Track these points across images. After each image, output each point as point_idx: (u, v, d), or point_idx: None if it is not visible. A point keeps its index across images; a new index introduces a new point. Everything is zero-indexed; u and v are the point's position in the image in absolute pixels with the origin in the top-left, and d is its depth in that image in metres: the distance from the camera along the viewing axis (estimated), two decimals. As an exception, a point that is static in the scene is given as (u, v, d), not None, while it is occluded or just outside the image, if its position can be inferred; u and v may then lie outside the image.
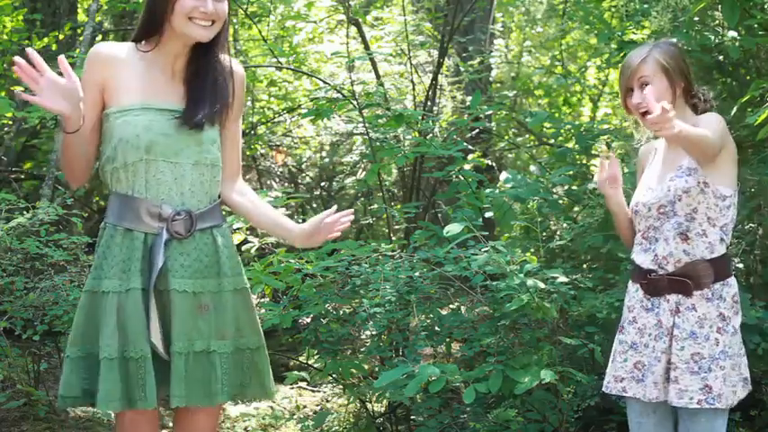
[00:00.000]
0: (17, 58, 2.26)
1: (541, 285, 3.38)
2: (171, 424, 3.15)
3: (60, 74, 2.30)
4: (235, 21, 7.97)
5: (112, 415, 4.82)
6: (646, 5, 4.28)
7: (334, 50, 6.47)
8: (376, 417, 4.41)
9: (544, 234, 4.32)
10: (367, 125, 4.77)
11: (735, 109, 3.81)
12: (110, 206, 2.46)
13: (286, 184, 7.85)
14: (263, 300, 5.21)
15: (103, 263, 2.41)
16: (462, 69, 7.13)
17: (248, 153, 7.70)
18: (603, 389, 2.83)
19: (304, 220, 9.14)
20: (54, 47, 7.02)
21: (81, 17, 7.60)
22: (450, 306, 4.19)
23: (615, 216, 2.91)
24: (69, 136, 2.37)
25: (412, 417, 4.23)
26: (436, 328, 4.01)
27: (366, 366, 4.34)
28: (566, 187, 4.64)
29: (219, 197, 2.54)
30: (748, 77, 4.31)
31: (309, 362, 4.89)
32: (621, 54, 4.48)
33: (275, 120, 7.87)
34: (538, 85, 8.42)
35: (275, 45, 6.45)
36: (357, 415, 4.59)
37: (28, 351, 4.72)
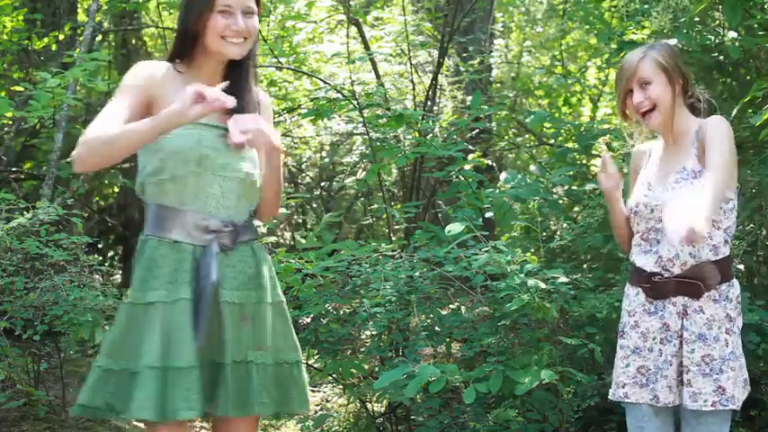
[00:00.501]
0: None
1: (542, 285, 3.38)
2: None
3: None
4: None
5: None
6: (646, 5, 4.28)
7: (335, 51, 6.48)
8: (376, 417, 4.41)
9: (544, 234, 4.32)
10: (367, 125, 4.77)
11: (735, 110, 3.80)
12: (151, 218, 2.44)
13: (286, 184, 7.85)
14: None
15: (148, 275, 2.39)
16: (462, 69, 7.13)
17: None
18: (609, 396, 2.79)
19: (304, 221, 9.07)
20: (54, 47, 7.02)
21: (81, 17, 7.60)
22: (451, 306, 4.20)
23: (612, 213, 2.88)
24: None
25: (412, 417, 4.23)
26: (436, 328, 4.01)
27: (366, 366, 4.34)
28: (566, 187, 4.65)
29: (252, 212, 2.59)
30: (748, 77, 4.31)
31: (309, 362, 4.89)
32: (621, 54, 4.48)
33: (275, 120, 7.86)
34: (538, 85, 8.42)
35: (275, 45, 6.45)
36: (357, 415, 4.59)
37: (28, 351, 4.72)
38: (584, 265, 4.61)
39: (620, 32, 4.52)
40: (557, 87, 7.82)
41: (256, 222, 2.65)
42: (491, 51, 7.87)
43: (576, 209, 4.91)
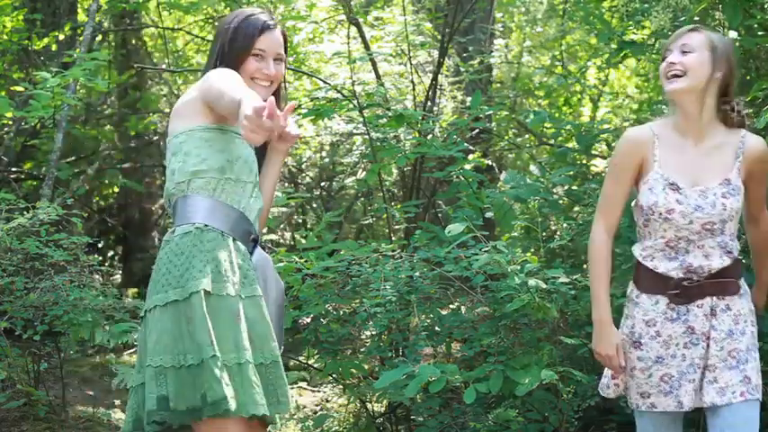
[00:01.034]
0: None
1: (542, 285, 3.38)
2: None
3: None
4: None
5: (112, 415, 4.82)
6: (646, 5, 4.28)
7: (335, 51, 6.47)
8: (376, 417, 4.41)
9: (544, 234, 4.32)
10: (368, 125, 4.77)
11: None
12: (206, 209, 2.44)
13: (286, 184, 7.84)
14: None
15: (221, 267, 2.38)
16: (462, 69, 7.12)
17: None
18: (633, 407, 2.71)
19: (304, 221, 9.08)
20: (54, 47, 7.02)
21: (81, 17, 7.60)
22: (451, 306, 4.19)
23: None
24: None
25: (412, 417, 4.23)
26: (436, 328, 4.01)
27: (366, 366, 4.34)
28: (566, 187, 4.64)
29: None
30: (748, 77, 4.31)
31: (309, 362, 4.89)
32: (621, 54, 4.48)
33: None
34: (538, 85, 8.42)
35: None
36: (357, 415, 4.59)
37: (28, 351, 4.72)
38: (584, 266, 4.60)
39: (620, 32, 4.52)
40: (557, 87, 7.81)
41: None
42: (491, 51, 7.87)
43: (576, 209, 4.90)
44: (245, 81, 2.49)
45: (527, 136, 7.94)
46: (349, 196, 8.11)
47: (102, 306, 4.35)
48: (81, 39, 6.30)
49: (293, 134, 2.40)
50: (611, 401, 3.75)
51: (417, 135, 4.85)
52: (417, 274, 3.89)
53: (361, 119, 4.84)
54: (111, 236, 8.88)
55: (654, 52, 4.49)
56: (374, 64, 5.83)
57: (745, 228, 2.85)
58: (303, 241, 4.71)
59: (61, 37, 7.04)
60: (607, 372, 2.76)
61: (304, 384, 5.41)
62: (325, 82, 5.48)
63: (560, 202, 4.65)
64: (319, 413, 4.79)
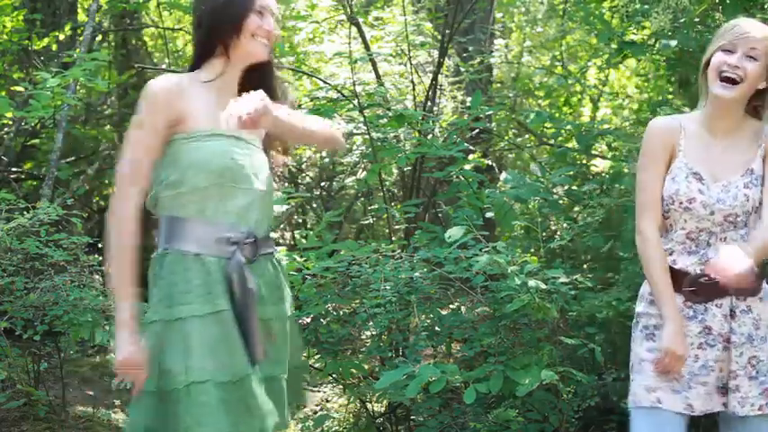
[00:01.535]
0: None
1: (542, 285, 3.38)
2: None
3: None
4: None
5: (112, 416, 4.82)
6: (646, 6, 4.28)
7: (336, 51, 6.47)
8: (376, 417, 4.41)
9: (544, 234, 4.32)
10: (368, 125, 4.77)
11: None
12: (168, 231, 2.37)
13: (286, 184, 7.85)
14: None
15: (174, 290, 2.30)
16: (462, 69, 7.12)
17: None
18: (631, 403, 2.53)
19: (304, 221, 9.06)
20: (54, 47, 7.02)
21: (81, 17, 7.60)
22: (451, 306, 4.19)
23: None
24: None
25: (412, 417, 4.23)
26: (436, 329, 4.01)
27: (366, 366, 4.34)
28: (566, 187, 4.65)
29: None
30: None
31: (309, 362, 4.89)
32: (621, 54, 4.49)
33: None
34: (538, 85, 8.42)
35: (276, 44, 6.43)
36: (357, 415, 4.59)
37: (28, 351, 4.72)
38: (584, 265, 4.60)
39: (620, 33, 4.52)
40: (557, 87, 7.81)
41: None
42: (491, 51, 7.86)
43: (576, 209, 4.91)
44: (246, 39, 2.41)
45: (527, 136, 7.94)
46: (349, 196, 8.10)
47: (102, 306, 4.35)
48: (81, 39, 6.30)
49: (247, 116, 2.23)
50: (610, 402, 3.76)
51: (417, 135, 4.85)
52: (417, 274, 3.89)
53: (362, 119, 4.84)
54: (111, 236, 8.86)
55: (654, 52, 4.50)
56: (374, 64, 5.83)
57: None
58: (303, 241, 4.71)
59: (61, 37, 7.04)
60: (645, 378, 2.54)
61: (304, 384, 5.40)
62: (325, 82, 5.48)
63: (560, 202, 4.65)
64: (319, 413, 4.78)
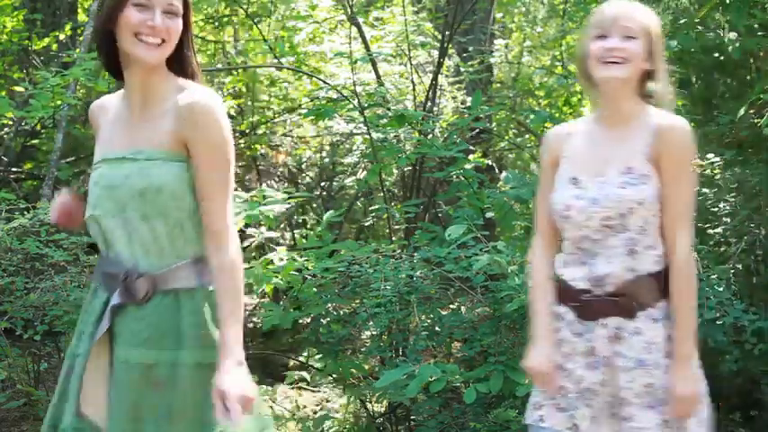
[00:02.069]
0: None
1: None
2: None
3: None
4: (235, 21, 7.98)
5: None
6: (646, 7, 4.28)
7: (336, 51, 6.48)
8: (376, 417, 4.41)
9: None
10: (369, 125, 4.77)
11: (743, 110, 3.75)
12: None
13: (286, 184, 7.85)
14: (263, 300, 5.21)
15: (78, 323, 2.17)
16: (462, 69, 7.13)
17: (248, 153, 7.71)
18: (525, 420, 2.37)
19: (304, 221, 9.05)
20: (54, 47, 7.03)
21: (81, 17, 7.60)
22: (451, 306, 4.20)
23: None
24: None
25: (412, 417, 4.23)
26: (436, 329, 4.01)
27: (366, 366, 4.34)
28: (566, 187, 4.64)
29: (197, 256, 2.08)
30: (748, 77, 4.31)
31: (309, 362, 4.89)
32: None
33: (275, 120, 7.88)
34: (538, 85, 8.42)
35: (276, 44, 6.45)
36: (357, 415, 4.59)
37: (28, 351, 4.72)
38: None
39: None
40: (557, 87, 7.81)
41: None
42: (491, 51, 7.87)
43: (576, 209, 4.90)
44: (129, 40, 2.01)
45: (527, 136, 7.94)
46: (349, 196, 8.10)
47: (102, 306, 4.34)
48: (81, 39, 6.30)
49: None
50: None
51: (418, 135, 4.85)
52: (417, 274, 3.90)
53: (362, 119, 4.84)
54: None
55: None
56: (374, 64, 5.83)
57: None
58: (303, 241, 4.71)
59: (61, 37, 7.04)
60: None
61: (304, 384, 5.41)
62: (325, 82, 5.48)
63: (560, 202, 4.64)
64: (319, 413, 4.79)
